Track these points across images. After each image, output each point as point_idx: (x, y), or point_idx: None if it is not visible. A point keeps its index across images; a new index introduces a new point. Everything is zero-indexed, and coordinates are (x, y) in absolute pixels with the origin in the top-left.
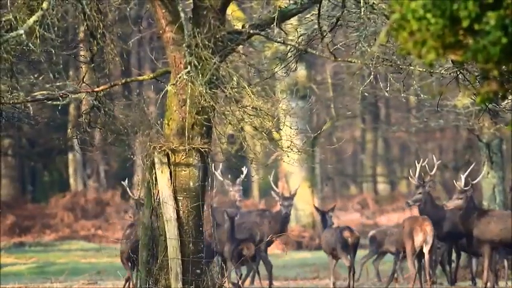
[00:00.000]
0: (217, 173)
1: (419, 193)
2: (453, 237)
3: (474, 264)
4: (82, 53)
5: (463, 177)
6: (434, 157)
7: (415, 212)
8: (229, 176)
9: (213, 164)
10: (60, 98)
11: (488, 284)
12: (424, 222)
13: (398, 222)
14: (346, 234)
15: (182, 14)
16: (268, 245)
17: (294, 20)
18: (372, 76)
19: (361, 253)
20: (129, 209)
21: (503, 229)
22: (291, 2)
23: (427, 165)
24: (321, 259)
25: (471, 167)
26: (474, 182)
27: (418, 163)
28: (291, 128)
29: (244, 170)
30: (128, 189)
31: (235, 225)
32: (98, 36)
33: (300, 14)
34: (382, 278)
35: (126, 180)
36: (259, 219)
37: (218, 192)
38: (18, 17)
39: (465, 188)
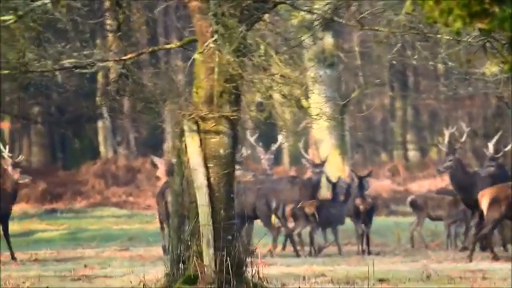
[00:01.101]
0: (252, 140)
1: (450, 160)
2: None
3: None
4: (108, 21)
5: (490, 144)
6: (463, 124)
7: (446, 179)
8: (261, 144)
9: (247, 131)
10: (88, 67)
11: None
12: (485, 191)
13: (430, 189)
14: (358, 202)
15: None
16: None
17: None
18: (399, 44)
19: (397, 219)
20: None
21: None
22: None
23: (456, 132)
24: (353, 225)
25: (498, 134)
26: (506, 149)
27: (447, 130)
28: (319, 95)
29: (279, 138)
30: (154, 160)
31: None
32: (124, 5)
33: None
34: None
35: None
36: (290, 185)
37: (250, 159)
38: None
39: (496, 156)
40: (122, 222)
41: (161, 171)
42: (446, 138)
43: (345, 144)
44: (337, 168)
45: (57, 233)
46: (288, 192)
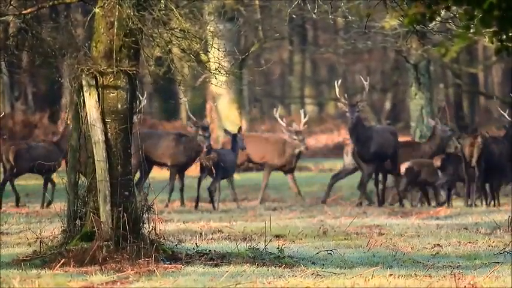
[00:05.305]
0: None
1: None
2: (380, 158)
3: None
4: None
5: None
6: (362, 78)
7: (343, 133)
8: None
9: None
10: None
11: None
12: None
13: (327, 143)
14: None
15: None
16: (185, 169)
17: None
18: None
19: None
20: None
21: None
22: None
23: (354, 87)
24: (250, 181)
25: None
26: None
27: (338, 83)
28: (218, 50)
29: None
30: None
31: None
32: None
33: None
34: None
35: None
36: (175, 142)
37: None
38: None
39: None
40: (19, 178)
41: None
42: (337, 91)
43: (242, 99)
44: (234, 123)
45: None
46: (172, 148)
